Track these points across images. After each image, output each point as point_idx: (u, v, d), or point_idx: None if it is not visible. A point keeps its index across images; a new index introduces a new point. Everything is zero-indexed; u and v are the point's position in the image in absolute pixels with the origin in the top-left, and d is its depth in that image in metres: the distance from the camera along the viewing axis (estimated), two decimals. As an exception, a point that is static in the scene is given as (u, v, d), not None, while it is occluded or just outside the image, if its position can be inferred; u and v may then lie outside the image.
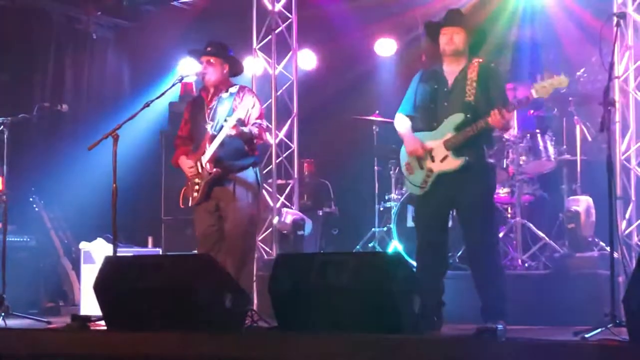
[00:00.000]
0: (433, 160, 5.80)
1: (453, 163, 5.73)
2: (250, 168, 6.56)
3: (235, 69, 6.78)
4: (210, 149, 6.42)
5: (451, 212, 6.22)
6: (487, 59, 6.06)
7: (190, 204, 6.59)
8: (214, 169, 6.43)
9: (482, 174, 5.80)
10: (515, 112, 7.52)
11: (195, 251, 6.88)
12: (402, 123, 6.04)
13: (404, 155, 6.00)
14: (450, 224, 6.44)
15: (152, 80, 10.18)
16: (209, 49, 6.65)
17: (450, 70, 5.89)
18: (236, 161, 6.51)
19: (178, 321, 4.99)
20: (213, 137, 6.44)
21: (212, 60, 6.60)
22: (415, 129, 5.96)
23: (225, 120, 6.33)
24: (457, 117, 5.74)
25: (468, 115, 5.72)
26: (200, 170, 6.49)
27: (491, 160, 6.03)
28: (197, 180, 6.51)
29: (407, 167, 5.97)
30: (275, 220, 8.62)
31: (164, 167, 9.29)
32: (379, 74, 10.23)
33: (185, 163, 6.58)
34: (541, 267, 7.29)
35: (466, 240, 5.99)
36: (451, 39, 5.83)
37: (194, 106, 6.80)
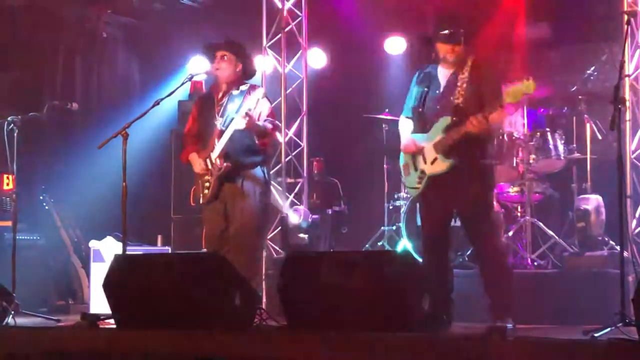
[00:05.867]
0: (425, 162, 5.81)
1: (441, 165, 5.72)
2: (259, 167, 6.55)
3: (249, 71, 6.65)
4: (219, 144, 6.39)
5: (455, 212, 6.20)
6: (484, 56, 6.03)
7: (201, 202, 6.57)
8: (224, 164, 6.40)
9: (476, 174, 5.74)
10: (524, 110, 7.54)
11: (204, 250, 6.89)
12: (403, 126, 6.06)
13: (402, 157, 6.02)
14: (459, 222, 6.43)
15: (161, 79, 10.21)
16: (226, 43, 6.60)
17: (445, 72, 5.85)
18: (245, 158, 6.48)
19: (187, 319, 5.00)
20: (222, 132, 6.41)
21: (226, 57, 6.53)
22: (413, 131, 5.96)
23: (236, 113, 6.31)
24: (445, 121, 5.72)
25: (454, 118, 5.67)
26: (210, 167, 6.47)
27: (487, 160, 5.92)
28: (207, 177, 6.50)
29: (404, 168, 6.00)
30: (296, 219, 8.56)
31: (174, 165, 9.29)
32: (388, 72, 10.21)
33: (196, 160, 6.56)
34: (551, 266, 7.27)
35: (470, 239, 6.00)
36: (452, 49, 5.76)
37: (203, 103, 6.74)
